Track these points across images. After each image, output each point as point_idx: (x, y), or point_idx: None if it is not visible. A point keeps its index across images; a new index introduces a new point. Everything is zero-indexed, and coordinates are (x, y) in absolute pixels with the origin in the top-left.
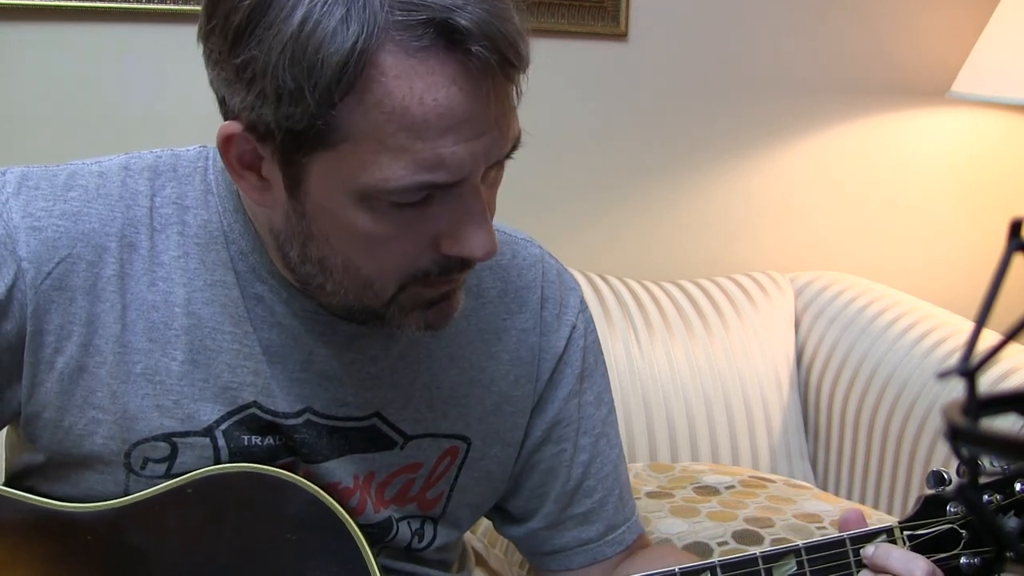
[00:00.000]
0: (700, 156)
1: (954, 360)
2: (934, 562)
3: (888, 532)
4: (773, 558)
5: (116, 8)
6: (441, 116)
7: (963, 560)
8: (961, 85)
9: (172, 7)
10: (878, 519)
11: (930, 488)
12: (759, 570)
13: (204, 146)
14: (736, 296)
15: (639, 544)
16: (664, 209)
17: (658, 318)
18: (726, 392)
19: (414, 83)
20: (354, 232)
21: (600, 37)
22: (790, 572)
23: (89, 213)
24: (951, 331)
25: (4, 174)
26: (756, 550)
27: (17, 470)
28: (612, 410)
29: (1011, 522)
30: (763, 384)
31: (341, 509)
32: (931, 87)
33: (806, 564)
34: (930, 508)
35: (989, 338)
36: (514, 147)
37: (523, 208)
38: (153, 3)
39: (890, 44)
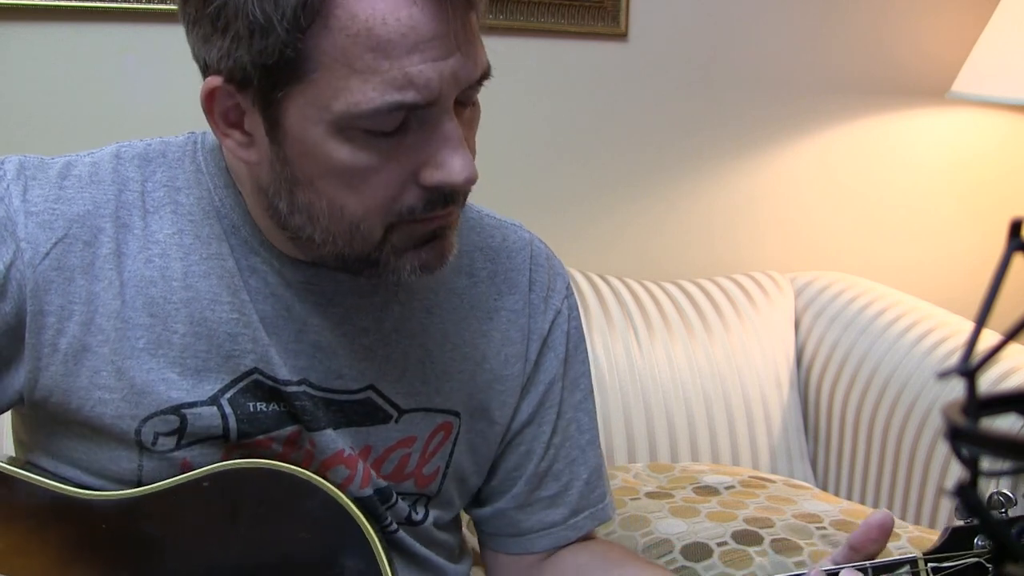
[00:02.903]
0: (700, 156)
1: (954, 360)
2: None
3: (912, 564)
4: None
5: (116, 8)
6: (405, 35)
7: None
8: (961, 85)
9: (172, 7)
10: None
11: (959, 519)
12: None
13: (192, 132)
14: (736, 296)
15: (588, 535)
16: (664, 209)
17: (658, 318)
18: (726, 392)
19: (376, 4)
20: (334, 167)
21: (600, 37)
22: None
23: (83, 197)
24: (951, 331)
25: (3, 163)
26: None
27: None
28: (587, 396)
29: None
30: (763, 384)
31: (356, 510)
32: (931, 87)
33: None
34: (956, 540)
35: (989, 338)
36: (484, 76)
37: (523, 208)
38: (153, 3)
39: (890, 44)
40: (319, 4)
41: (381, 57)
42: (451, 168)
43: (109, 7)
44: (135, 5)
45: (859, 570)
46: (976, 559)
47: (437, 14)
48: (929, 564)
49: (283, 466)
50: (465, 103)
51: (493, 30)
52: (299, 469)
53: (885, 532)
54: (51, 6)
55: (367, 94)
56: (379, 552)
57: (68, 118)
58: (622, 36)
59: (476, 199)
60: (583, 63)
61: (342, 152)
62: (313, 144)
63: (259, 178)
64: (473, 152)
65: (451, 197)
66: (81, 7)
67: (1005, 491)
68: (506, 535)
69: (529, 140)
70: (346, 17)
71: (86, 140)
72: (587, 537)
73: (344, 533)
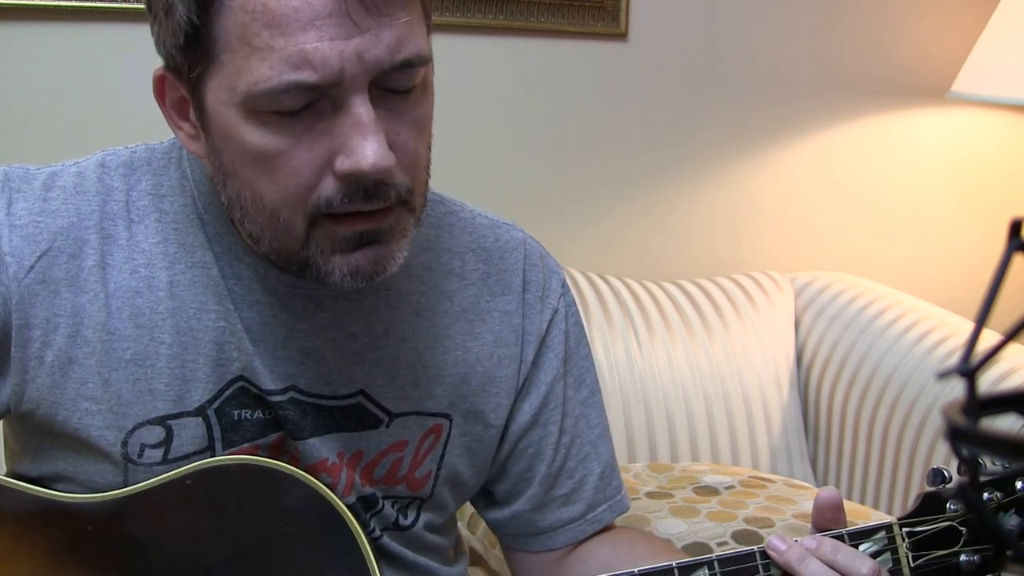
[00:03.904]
0: (700, 156)
1: (954, 360)
2: (934, 559)
3: (887, 529)
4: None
5: (116, 8)
6: (298, 10)
7: (963, 557)
8: (961, 85)
9: None
10: (877, 519)
11: (930, 485)
12: None
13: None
14: (736, 296)
15: (608, 527)
16: (664, 209)
17: (658, 318)
18: (726, 392)
19: None
20: (248, 152)
21: (600, 37)
22: None
23: (68, 209)
24: (951, 331)
25: None
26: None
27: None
28: (594, 391)
29: (1011, 520)
30: (763, 384)
31: (341, 503)
32: (931, 87)
33: None
34: (930, 505)
35: (989, 338)
36: (411, 63)
37: (522, 208)
38: None
39: (890, 44)
40: None
41: (277, 34)
42: (360, 154)
43: (109, 7)
44: (135, 5)
45: (836, 537)
46: (949, 522)
47: None
48: (904, 529)
49: (266, 461)
50: (394, 89)
51: (493, 30)
52: (281, 464)
53: (836, 507)
54: (51, 6)
55: (264, 73)
56: (362, 540)
57: (68, 118)
58: (622, 36)
59: (476, 199)
60: (583, 63)
61: (254, 135)
62: (229, 128)
63: (210, 174)
64: (419, 146)
65: (373, 191)
66: (81, 7)
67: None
68: (526, 535)
69: (529, 140)
70: None
71: (85, 140)
72: (609, 527)
73: (328, 524)
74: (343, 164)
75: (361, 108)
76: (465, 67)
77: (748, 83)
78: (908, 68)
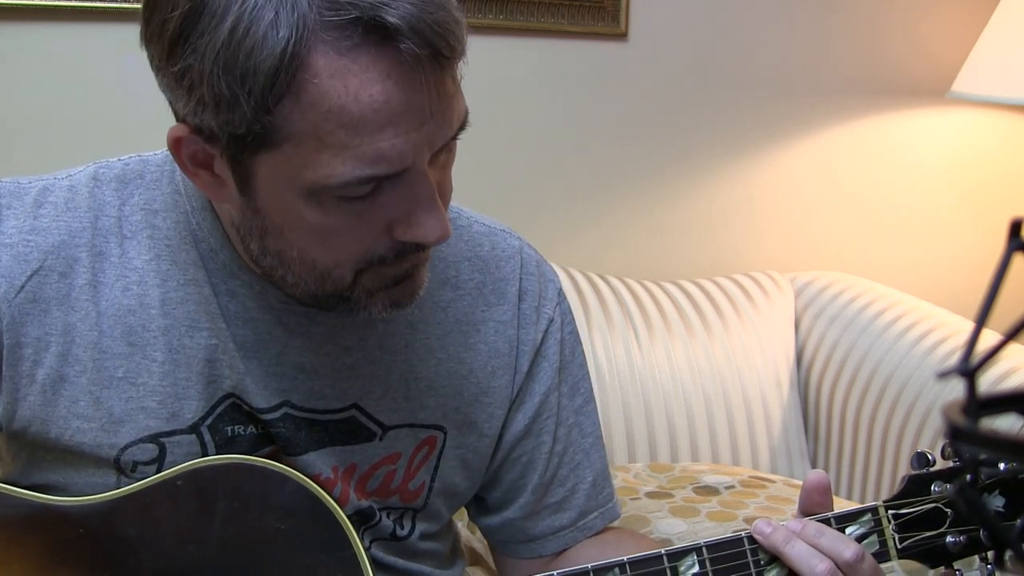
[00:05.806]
0: (700, 156)
1: (954, 360)
2: (920, 540)
3: (873, 511)
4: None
5: (116, 8)
6: (377, 111)
7: (949, 539)
8: (961, 85)
9: None
10: None
11: (914, 468)
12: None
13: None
14: (736, 296)
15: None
16: (664, 209)
17: (658, 318)
18: (726, 392)
19: (348, 81)
20: (306, 226)
21: (600, 37)
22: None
23: (59, 227)
24: (951, 331)
25: None
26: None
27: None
28: (588, 399)
29: (996, 501)
30: (763, 384)
31: (330, 499)
32: (931, 87)
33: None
34: (914, 487)
35: (989, 338)
36: (461, 127)
37: (522, 208)
38: None
39: (890, 44)
40: (288, 82)
41: (353, 134)
42: (426, 229)
43: (109, 7)
44: (135, 5)
45: (822, 521)
46: (933, 504)
47: (412, 87)
48: (889, 511)
49: (255, 459)
50: (441, 151)
51: (493, 30)
52: (271, 462)
53: (824, 491)
54: (51, 6)
55: (337, 168)
56: (353, 538)
57: (68, 118)
58: (622, 36)
59: (477, 200)
60: (583, 63)
61: (314, 215)
62: (284, 205)
63: (232, 216)
64: (449, 192)
65: (422, 246)
66: (81, 7)
67: (926, 452)
68: (516, 542)
69: (529, 140)
70: (317, 93)
71: (86, 140)
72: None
73: (319, 520)
74: (406, 234)
75: (426, 186)
76: (464, 67)
77: (748, 83)
78: (908, 68)
